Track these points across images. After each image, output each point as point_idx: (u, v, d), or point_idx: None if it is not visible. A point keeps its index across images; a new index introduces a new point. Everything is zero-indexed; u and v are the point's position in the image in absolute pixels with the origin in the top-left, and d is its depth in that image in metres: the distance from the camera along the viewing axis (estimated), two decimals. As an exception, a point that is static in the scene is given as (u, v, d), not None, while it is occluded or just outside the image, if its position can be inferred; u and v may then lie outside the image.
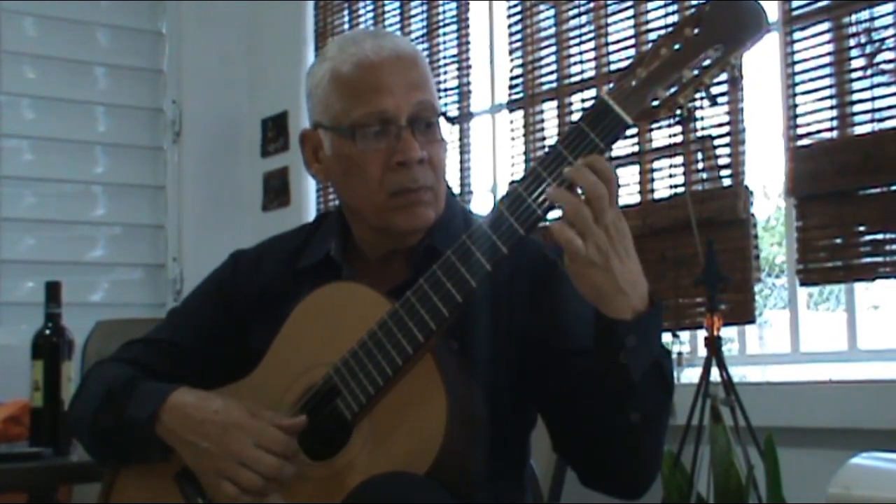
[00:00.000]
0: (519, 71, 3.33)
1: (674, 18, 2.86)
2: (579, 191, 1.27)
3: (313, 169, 1.57)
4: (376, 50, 1.46)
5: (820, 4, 2.57)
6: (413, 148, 1.44)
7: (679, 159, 2.86)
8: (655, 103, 1.28)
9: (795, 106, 2.61)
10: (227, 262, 1.67)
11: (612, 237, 1.26)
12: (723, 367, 2.29)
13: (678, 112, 1.29)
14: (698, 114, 2.76)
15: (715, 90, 1.31)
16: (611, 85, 1.31)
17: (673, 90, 1.28)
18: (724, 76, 1.29)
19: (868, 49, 2.48)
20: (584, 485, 1.48)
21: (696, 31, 1.28)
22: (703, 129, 2.80)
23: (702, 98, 1.30)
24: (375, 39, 1.48)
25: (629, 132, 1.30)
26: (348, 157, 1.47)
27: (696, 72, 1.27)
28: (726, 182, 2.75)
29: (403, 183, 1.45)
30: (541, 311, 1.46)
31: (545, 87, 3.25)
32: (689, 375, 2.72)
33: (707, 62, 1.27)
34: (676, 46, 1.28)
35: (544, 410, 1.51)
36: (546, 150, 1.32)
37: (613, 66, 3.05)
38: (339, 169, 1.51)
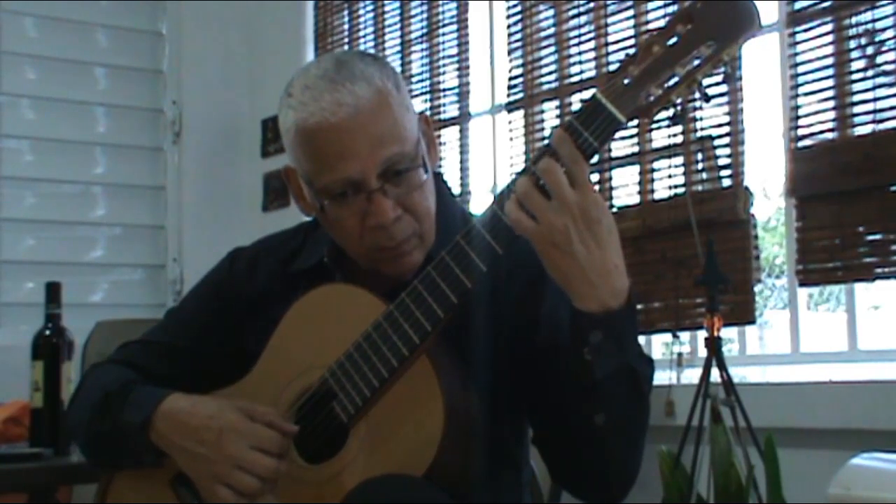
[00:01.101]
0: (518, 71, 3.33)
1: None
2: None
3: (300, 205, 1.54)
4: (334, 109, 1.36)
5: (821, 5, 2.57)
6: (385, 211, 1.38)
7: (679, 160, 2.86)
8: (649, 101, 1.27)
9: (797, 107, 2.61)
10: (225, 261, 1.67)
11: (577, 220, 1.23)
12: (723, 367, 2.29)
13: (672, 110, 1.29)
14: (698, 114, 2.76)
15: (713, 89, 1.31)
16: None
17: (666, 87, 1.27)
18: (718, 73, 1.29)
19: (869, 50, 2.48)
20: (556, 481, 1.47)
21: (687, 27, 1.27)
22: (702, 129, 2.80)
23: (698, 98, 1.29)
24: (334, 92, 1.37)
25: (625, 131, 1.30)
26: (323, 214, 1.44)
27: (688, 69, 1.27)
28: (726, 182, 2.75)
29: (381, 242, 1.42)
30: (528, 309, 1.45)
31: (545, 88, 3.25)
32: (690, 376, 2.72)
33: (700, 59, 1.26)
34: (668, 43, 1.28)
35: (527, 405, 1.50)
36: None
37: (613, 66, 3.04)
38: (321, 217, 1.49)
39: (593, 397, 1.29)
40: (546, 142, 1.28)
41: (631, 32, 3.00)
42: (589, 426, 1.31)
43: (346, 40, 4.02)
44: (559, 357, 1.33)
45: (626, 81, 1.27)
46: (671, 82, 1.27)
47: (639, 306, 2.91)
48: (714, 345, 2.31)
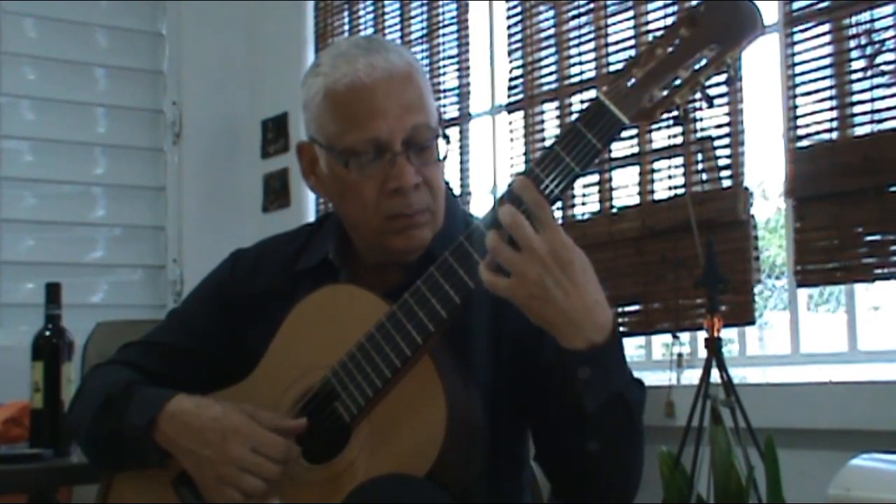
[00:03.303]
0: (519, 72, 3.33)
1: (674, 19, 2.85)
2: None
3: (310, 181, 1.56)
4: (369, 71, 1.42)
5: (820, 5, 2.57)
6: (408, 174, 1.41)
7: (679, 160, 2.86)
8: (652, 103, 1.28)
9: (796, 107, 2.61)
10: (227, 262, 1.67)
11: (550, 267, 1.23)
12: (723, 368, 2.29)
13: (675, 112, 1.29)
14: (698, 115, 2.76)
15: (713, 91, 1.31)
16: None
17: (669, 90, 1.28)
18: (720, 76, 1.29)
19: (868, 50, 2.48)
20: (558, 499, 1.48)
21: (690, 31, 1.28)
22: (702, 130, 2.80)
23: (699, 100, 1.30)
24: (368, 57, 1.43)
25: (626, 132, 1.30)
26: (343, 180, 1.46)
27: (691, 72, 1.27)
28: (726, 183, 2.75)
29: (399, 208, 1.43)
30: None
31: (545, 88, 3.25)
32: (690, 377, 2.72)
33: (702, 62, 1.27)
34: (671, 47, 1.28)
35: (529, 424, 1.50)
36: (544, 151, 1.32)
37: (613, 67, 3.05)
38: (334, 188, 1.50)
39: (586, 428, 1.31)
40: (557, 145, 1.28)
41: (631, 33, 3.00)
42: (583, 453, 1.32)
43: (346, 41, 4.02)
44: (555, 384, 1.34)
45: (629, 84, 1.28)
46: (674, 85, 1.27)
47: (638, 307, 2.93)
48: (714, 345, 2.31)
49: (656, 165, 2.92)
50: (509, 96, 3.36)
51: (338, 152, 1.44)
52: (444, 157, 1.48)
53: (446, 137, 1.48)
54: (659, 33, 1.32)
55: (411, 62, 1.47)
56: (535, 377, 1.40)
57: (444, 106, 3.58)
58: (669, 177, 2.88)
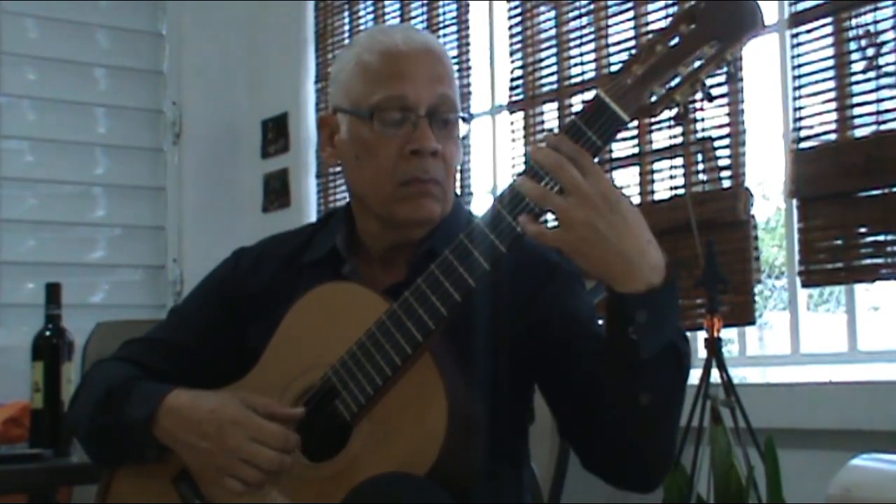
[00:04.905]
0: (519, 72, 3.33)
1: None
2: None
3: (326, 153, 1.57)
4: (406, 41, 1.47)
5: (822, 6, 2.57)
6: (429, 138, 1.44)
7: (679, 160, 2.87)
8: (652, 100, 1.27)
9: (798, 108, 2.61)
10: (229, 259, 1.67)
11: (600, 208, 1.21)
12: (723, 368, 2.29)
13: (675, 109, 1.29)
14: (698, 115, 2.76)
15: (714, 90, 1.30)
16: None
17: (669, 87, 1.27)
18: (721, 73, 1.29)
19: (869, 51, 2.48)
20: (589, 470, 1.43)
21: (690, 27, 1.27)
22: (702, 130, 2.80)
23: (701, 99, 1.29)
24: (407, 32, 1.51)
25: (625, 131, 1.30)
26: (363, 140, 1.47)
27: (691, 69, 1.27)
28: (726, 183, 2.75)
29: (414, 172, 1.44)
30: (542, 305, 1.44)
31: (545, 89, 3.25)
32: (689, 377, 2.72)
33: (703, 59, 1.27)
34: (672, 43, 1.28)
35: (549, 397, 1.48)
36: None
37: (614, 68, 3.04)
38: (352, 152, 1.50)
39: (638, 377, 1.28)
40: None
41: (632, 34, 3.00)
42: (633, 407, 1.29)
43: (347, 41, 4.02)
44: (589, 345, 1.33)
45: (629, 81, 1.27)
46: (674, 82, 1.27)
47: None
48: (714, 345, 2.31)
49: (656, 165, 2.92)
50: (510, 96, 3.36)
51: (364, 111, 1.46)
52: (463, 138, 1.51)
53: (466, 119, 1.51)
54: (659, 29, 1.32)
55: (446, 50, 1.54)
56: (549, 352, 1.40)
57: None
58: (670, 177, 2.88)
